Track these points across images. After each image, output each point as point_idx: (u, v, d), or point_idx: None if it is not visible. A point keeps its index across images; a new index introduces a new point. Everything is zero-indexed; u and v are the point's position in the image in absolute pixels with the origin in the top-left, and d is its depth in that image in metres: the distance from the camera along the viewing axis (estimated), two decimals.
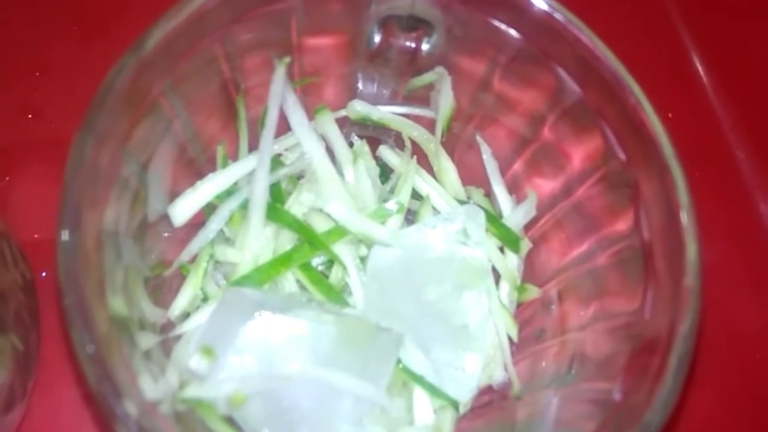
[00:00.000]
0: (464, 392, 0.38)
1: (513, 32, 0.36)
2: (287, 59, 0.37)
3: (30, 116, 0.53)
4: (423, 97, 0.42)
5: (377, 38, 0.39)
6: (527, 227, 0.42)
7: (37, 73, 0.54)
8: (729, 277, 0.50)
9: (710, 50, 0.59)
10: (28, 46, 0.54)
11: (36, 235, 0.49)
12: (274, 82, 0.37)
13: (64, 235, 0.28)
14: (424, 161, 0.44)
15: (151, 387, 0.29)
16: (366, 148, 0.42)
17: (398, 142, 0.44)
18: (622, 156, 0.35)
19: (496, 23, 0.36)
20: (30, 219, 0.50)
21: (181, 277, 0.40)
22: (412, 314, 0.38)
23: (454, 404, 0.38)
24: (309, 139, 0.39)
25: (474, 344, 0.38)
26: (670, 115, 0.52)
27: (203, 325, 0.35)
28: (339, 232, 0.39)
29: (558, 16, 0.34)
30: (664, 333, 0.30)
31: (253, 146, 0.40)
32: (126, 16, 0.55)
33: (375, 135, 0.44)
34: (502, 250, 0.41)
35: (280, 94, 0.37)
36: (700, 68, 0.58)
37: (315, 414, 0.34)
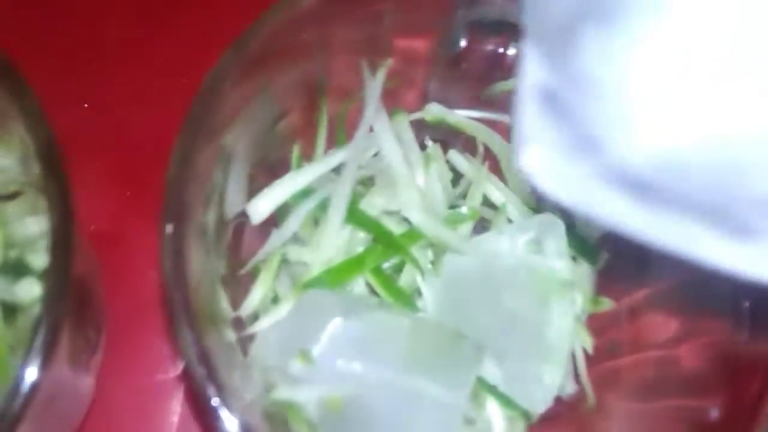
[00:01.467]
0: (539, 404, 0.37)
1: None
2: (389, 61, 0.37)
3: (86, 105, 0.53)
4: (500, 103, 0.42)
5: (462, 42, 0.38)
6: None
7: (95, 64, 0.53)
8: None
9: None
10: (86, 37, 0.54)
11: (92, 227, 0.49)
12: (371, 84, 0.37)
13: (169, 229, 0.27)
14: (494, 169, 0.43)
15: (244, 386, 0.29)
16: (440, 152, 0.42)
17: (467, 147, 0.44)
18: None
19: None
20: (86, 211, 0.50)
21: (251, 276, 0.39)
22: (487, 322, 0.38)
23: (527, 416, 0.38)
24: (389, 141, 0.39)
25: (553, 355, 0.37)
26: None
27: (283, 328, 0.35)
28: (415, 235, 0.39)
29: None
30: (763, 353, 0.30)
31: (328, 148, 0.40)
32: (188, 7, 0.55)
33: (445, 139, 0.44)
34: (574, 258, 0.41)
35: (378, 97, 0.36)
36: None
37: (395, 421, 0.34)
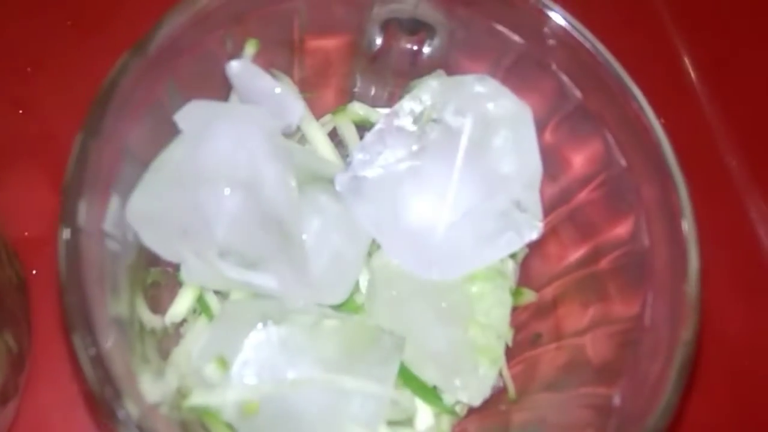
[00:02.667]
0: (477, 396, 0.38)
1: (515, 36, 0.36)
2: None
3: (21, 112, 0.52)
4: None
5: (378, 40, 0.39)
6: None
7: (29, 69, 0.53)
8: (718, 283, 0.50)
9: (702, 56, 0.59)
10: (21, 42, 0.53)
11: (26, 233, 0.49)
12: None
13: (66, 234, 0.27)
14: None
15: (150, 389, 0.29)
16: None
17: None
18: (623, 162, 0.35)
19: (499, 27, 0.36)
20: (20, 216, 0.49)
21: (178, 284, 0.39)
22: (420, 318, 0.38)
23: (451, 411, 0.39)
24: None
25: (487, 348, 0.38)
26: (662, 120, 0.52)
27: (207, 336, 0.35)
28: None
29: (561, 21, 0.34)
30: (664, 339, 0.30)
31: None
32: (121, 12, 0.54)
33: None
34: None
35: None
36: (692, 74, 0.59)
37: (324, 418, 0.34)
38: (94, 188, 0.29)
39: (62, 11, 0.55)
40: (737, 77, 0.59)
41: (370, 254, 0.40)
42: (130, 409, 0.26)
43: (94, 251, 0.29)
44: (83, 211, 0.28)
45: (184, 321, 0.39)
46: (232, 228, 0.32)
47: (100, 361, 0.26)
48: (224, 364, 0.32)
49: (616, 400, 0.31)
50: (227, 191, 0.31)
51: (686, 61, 0.59)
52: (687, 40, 0.60)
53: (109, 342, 0.27)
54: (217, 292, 0.39)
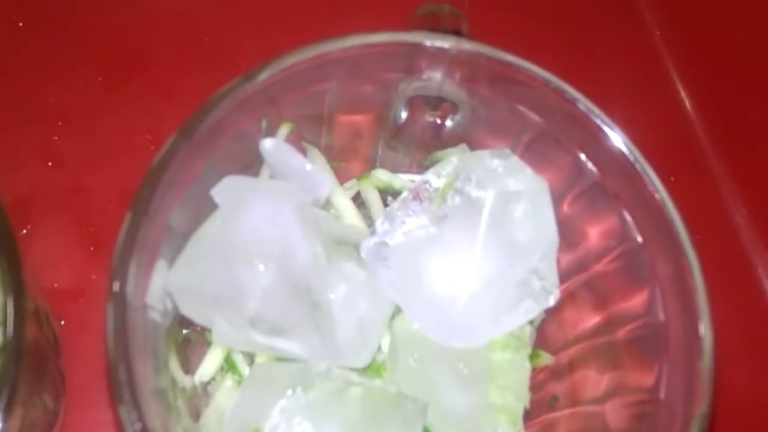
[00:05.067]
0: None
1: (535, 116, 0.38)
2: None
3: (50, 164, 0.54)
4: None
5: (404, 115, 0.41)
6: None
7: (60, 123, 0.55)
8: (727, 342, 0.50)
9: (712, 116, 0.61)
10: (51, 95, 0.55)
11: (55, 284, 0.50)
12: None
13: (113, 308, 0.29)
14: None
15: None
16: None
17: None
18: (639, 238, 0.37)
19: (519, 107, 0.38)
20: (50, 269, 0.50)
21: (206, 342, 0.41)
22: (444, 382, 0.39)
23: None
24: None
25: (506, 410, 0.39)
26: (672, 179, 0.53)
27: (236, 401, 0.37)
28: None
29: (580, 106, 0.36)
30: (679, 413, 0.32)
31: None
32: (149, 66, 0.56)
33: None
34: None
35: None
36: (701, 134, 0.60)
37: None
38: (140, 264, 0.30)
39: (93, 66, 0.56)
40: (746, 137, 0.61)
41: (392, 317, 0.42)
42: None
43: (139, 324, 0.30)
44: (131, 286, 0.30)
45: (212, 380, 0.41)
46: (264, 301, 0.33)
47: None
48: None
49: None
50: (261, 267, 0.33)
51: (696, 120, 0.60)
52: (696, 100, 0.61)
53: (151, 413, 0.29)
54: (245, 355, 0.40)
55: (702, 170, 0.59)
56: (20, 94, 0.54)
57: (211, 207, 0.35)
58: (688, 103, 0.61)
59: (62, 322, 0.48)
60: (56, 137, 0.55)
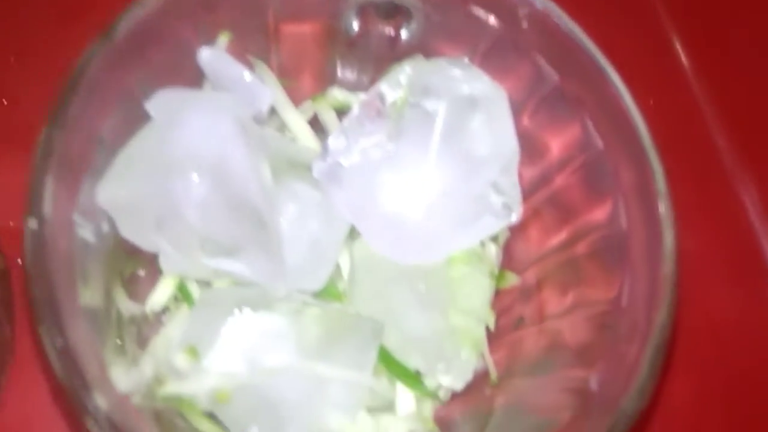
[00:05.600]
0: (458, 380, 0.38)
1: (492, 19, 0.36)
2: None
3: (5, 102, 0.52)
4: None
5: (355, 25, 0.38)
6: None
7: (13, 59, 0.53)
8: (707, 265, 0.50)
9: (693, 37, 0.59)
10: (5, 32, 0.53)
11: (11, 223, 0.48)
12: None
13: (32, 224, 0.27)
14: None
15: (123, 379, 0.29)
16: None
17: None
18: (600, 144, 0.35)
19: (475, 10, 0.36)
20: (3, 206, 0.49)
21: (160, 272, 0.39)
22: (403, 302, 0.38)
23: (434, 395, 0.39)
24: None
25: (468, 332, 0.38)
26: (651, 102, 0.51)
27: (184, 326, 0.35)
28: None
29: (537, 3, 0.34)
30: (641, 322, 0.30)
31: None
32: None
33: None
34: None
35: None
36: (682, 55, 0.58)
37: (304, 406, 0.34)
38: (62, 178, 0.29)
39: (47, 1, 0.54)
40: (727, 58, 0.59)
41: (352, 241, 0.40)
42: (99, 400, 0.26)
43: (63, 241, 0.28)
44: (50, 201, 0.28)
45: (166, 310, 0.39)
46: (201, 215, 0.32)
47: (67, 352, 0.26)
48: (194, 353, 0.32)
49: (593, 384, 0.31)
50: (195, 178, 0.31)
51: (677, 41, 0.58)
52: (677, 20, 0.59)
53: (78, 333, 0.27)
54: (201, 283, 0.39)
55: (683, 93, 0.57)
56: None
57: (146, 121, 0.33)
58: (668, 24, 0.59)
59: (19, 261, 0.46)
60: (10, 74, 0.53)
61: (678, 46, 0.58)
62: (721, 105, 0.57)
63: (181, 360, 0.32)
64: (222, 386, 0.32)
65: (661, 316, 0.29)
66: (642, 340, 0.30)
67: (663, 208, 0.31)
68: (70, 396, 0.26)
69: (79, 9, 0.54)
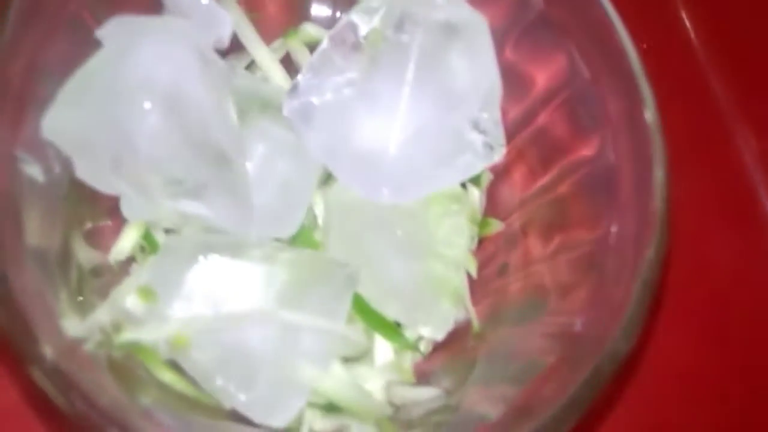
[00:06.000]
0: (440, 330, 0.36)
1: None
2: None
3: None
4: None
5: None
6: None
7: None
8: (702, 208, 0.48)
9: None
10: None
11: None
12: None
13: None
14: None
15: (74, 325, 0.27)
16: None
17: None
18: (587, 74, 0.32)
19: None
20: None
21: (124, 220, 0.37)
22: (380, 252, 0.36)
23: (413, 347, 0.37)
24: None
25: (448, 281, 0.36)
26: (644, 45, 0.49)
27: (146, 271, 0.33)
28: None
29: None
30: (629, 260, 0.28)
31: None
32: None
33: None
34: (463, 184, 0.39)
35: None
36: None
37: (273, 355, 0.32)
38: (1, 108, 0.26)
39: None
40: (725, 1, 0.57)
41: (327, 186, 0.38)
42: (44, 347, 0.24)
43: (3, 178, 0.26)
44: None
45: (133, 262, 0.37)
46: (156, 147, 0.29)
47: (8, 295, 0.24)
48: (149, 294, 0.30)
49: (578, 326, 0.29)
50: (147, 105, 0.28)
51: None
52: None
53: (23, 277, 0.25)
54: (170, 232, 0.37)
55: (678, 35, 0.55)
56: None
57: (97, 49, 0.30)
58: None
59: None
60: None
61: None
62: (718, 49, 0.55)
63: (134, 302, 0.30)
64: (181, 332, 0.30)
65: (650, 252, 0.27)
66: (629, 278, 0.28)
67: (653, 136, 0.29)
68: (12, 344, 0.24)
69: None
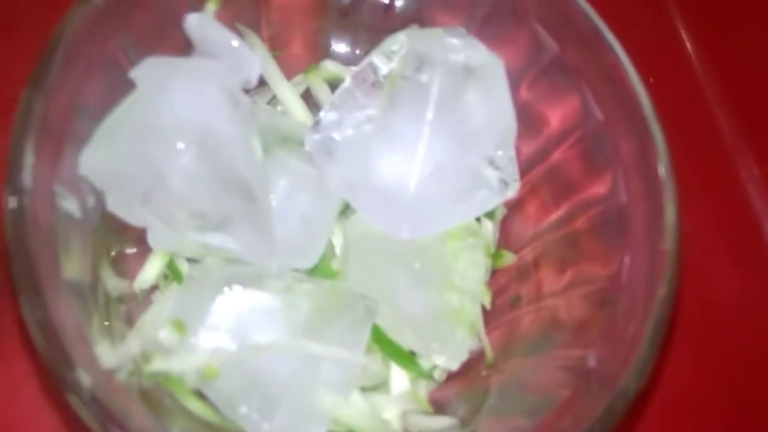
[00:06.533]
0: (454, 360, 0.37)
1: None
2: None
3: None
4: None
5: None
6: None
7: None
8: (707, 242, 0.49)
9: (694, 14, 0.58)
10: None
11: None
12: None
13: (12, 202, 0.26)
14: None
15: (108, 355, 0.28)
16: None
17: None
18: (600, 115, 0.34)
19: None
20: None
21: (148, 249, 0.38)
22: (395, 283, 0.37)
23: (428, 375, 0.38)
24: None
25: (463, 312, 0.37)
26: (651, 80, 0.50)
27: (173, 302, 0.34)
28: None
29: None
30: (641, 298, 0.29)
31: None
32: None
33: None
34: (477, 217, 0.40)
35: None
36: (683, 33, 0.57)
37: (295, 384, 0.33)
38: (43, 146, 0.27)
39: None
40: (730, 36, 0.58)
41: (345, 218, 0.39)
42: (83, 376, 0.25)
43: (44, 213, 0.27)
44: (29, 170, 0.27)
45: (155, 289, 0.38)
46: (187, 184, 0.30)
47: (49, 326, 0.25)
48: (181, 327, 0.31)
49: (591, 361, 0.30)
50: (181, 146, 0.30)
51: (678, 19, 0.57)
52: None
53: (60, 308, 0.26)
54: (191, 261, 0.38)
55: (684, 71, 0.56)
56: None
57: (131, 89, 0.32)
58: (672, 6, 0.58)
59: None
60: None
61: (679, 23, 0.57)
62: (722, 83, 0.56)
63: (167, 335, 0.31)
64: (209, 363, 0.31)
65: (662, 290, 0.29)
66: (642, 316, 0.29)
67: (664, 179, 0.30)
68: (52, 372, 0.25)
69: None
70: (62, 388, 0.25)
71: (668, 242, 0.29)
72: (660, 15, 0.58)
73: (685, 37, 0.57)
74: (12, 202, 0.26)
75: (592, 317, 0.32)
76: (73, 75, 0.29)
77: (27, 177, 0.27)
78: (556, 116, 0.36)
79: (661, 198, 0.30)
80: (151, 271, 0.37)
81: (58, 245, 0.28)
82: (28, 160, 0.27)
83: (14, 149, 0.27)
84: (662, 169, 0.30)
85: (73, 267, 0.30)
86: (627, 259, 0.32)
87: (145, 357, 0.31)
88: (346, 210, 0.39)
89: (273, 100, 0.41)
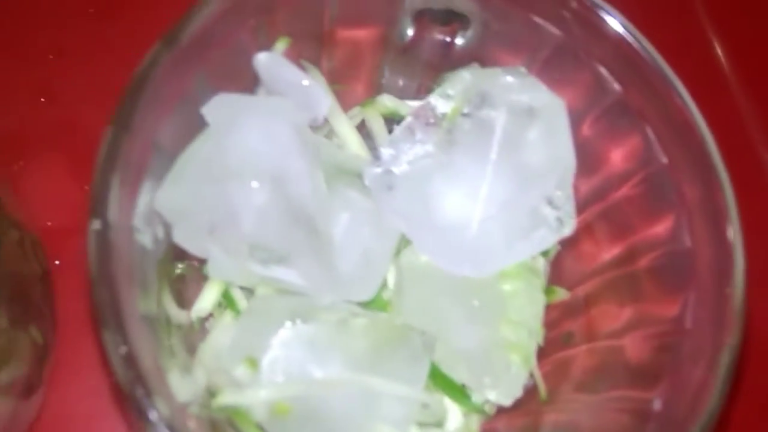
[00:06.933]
0: (508, 395, 0.37)
1: (553, 28, 0.35)
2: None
3: (43, 100, 0.52)
4: None
5: (410, 31, 0.38)
6: None
7: (51, 56, 0.52)
8: (756, 282, 0.48)
9: (736, 48, 0.58)
10: (43, 29, 0.53)
11: (49, 223, 0.48)
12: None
13: (96, 227, 0.27)
14: None
15: (180, 388, 0.29)
16: None
17: None
18: (664, 159, 0.34)
19: (536, 18, 0.35)
20: (43, 206, 0.49)
21: (203, 278, 0.39)
22: (453, 315, 0.37)
23: (480, 410, 0.38)
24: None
25: (519, 346, 0.37)
26: None
27: (234, 334, 0.35)
28: None
29: (600, 12, 0.33)
30: (707, 343, 0.30)
31: None
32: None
33: None
34: None
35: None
36: (726, 67, 0.57)
37: (354, 420, 0.33)
38: (125, 182, 0.28)
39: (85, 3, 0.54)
40: None
41: (397, 251, 0.39)
42: (161, 408, 0.26)
43: (124, 246, 0.28)
44: (114, 205, 0.27)
45: (209, 316, 0.39)
46: (259, 222, 0.31)
47: (131, 359, 0.26)
48: (254, 364, 0.32)
49: (657, 405, 0.30)
50: (255, 185, 0.30)
51: (719, 53, 0.58)
52: (720, 31, 0.58)
53: (139, 339, 0.27)
54: (243, 288, 0.38)
55: (727, 106, 0.57)
56: (10, 29, 0.52)
57: (203, 126, 0.32)
58: (712, 36, 0.58)
59: (57, 262, 0.46)
60: (49, 72, 0.53)
61: (721, 57, 0.58)
62: (765, 116, 0.56)
63: (241, 372, 0.31)
64: (278, 398, 0.31)
65: (731, 338, 0.29)
66: (710, 362, 0.29)
67: (732, 227, 0.30)
68: (132, 403, 0.25)
69: (117, 6, 0.53)
70: (141, 420, 0.26)
71: (737, 291, 0.30)
72: (703, 50, 0.58)
73: (727, 71, 0.57)
74: (97, 234, 0.27)
75: (655, 360, 0.32)
76: (154, 113, 0.29)
77: (112, 211, 0.27)
78: (617, 156, 0.37)
79: (729, 246, 0.30)
80: (208, 299, 0.38)
81: (135, 278, 0.29)
82: (114, 194, 0.27)
83: (99, 183, 0.27)
84: (731, 221, 0.31)
85: (146, 299, 0.30)
86: (691, 304, 0.32)
87: (212, 390, 0.32)
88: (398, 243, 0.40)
89: (329, 133, 0.42)
